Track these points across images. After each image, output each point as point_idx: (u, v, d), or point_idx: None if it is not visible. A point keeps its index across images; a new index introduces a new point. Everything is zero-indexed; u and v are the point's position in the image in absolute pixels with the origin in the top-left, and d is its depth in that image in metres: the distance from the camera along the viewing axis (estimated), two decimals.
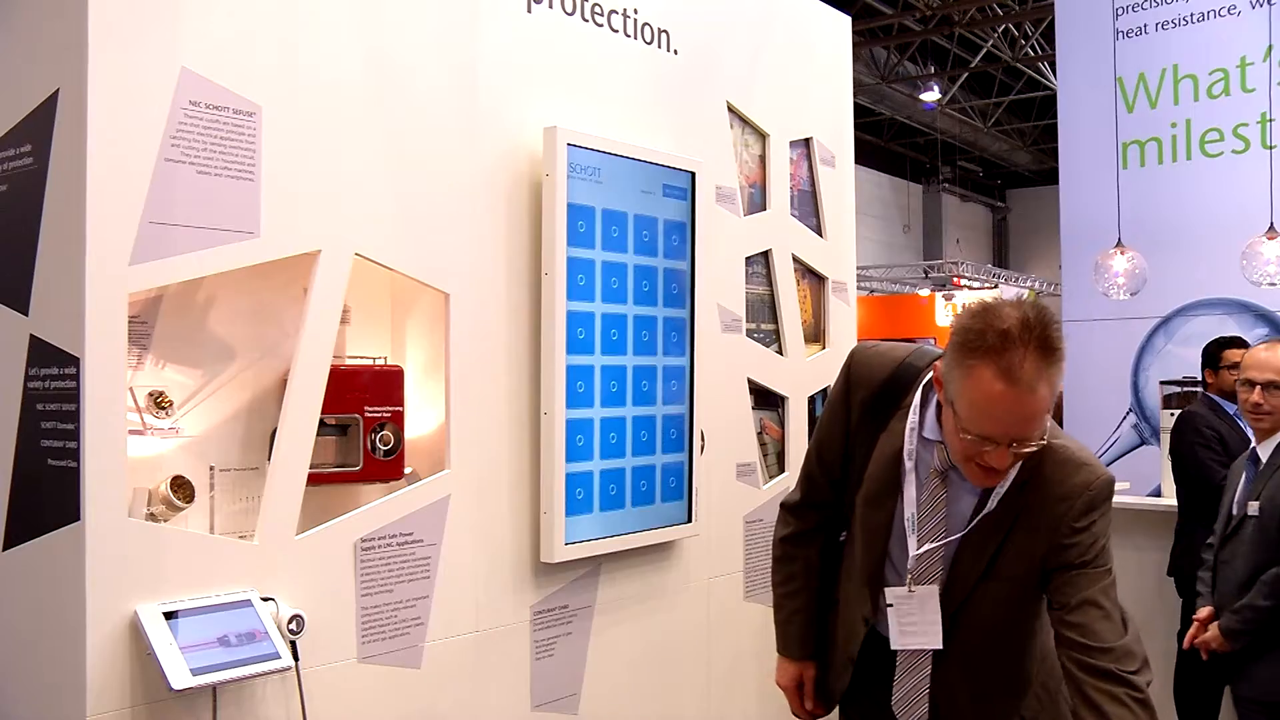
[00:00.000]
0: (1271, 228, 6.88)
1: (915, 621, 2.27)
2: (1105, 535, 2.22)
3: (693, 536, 3.67)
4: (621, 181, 3.38)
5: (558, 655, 3.28)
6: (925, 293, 18.50)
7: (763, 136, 4.13)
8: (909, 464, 2.26)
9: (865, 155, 19.26)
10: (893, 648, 2.32)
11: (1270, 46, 7.74)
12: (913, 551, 2.25)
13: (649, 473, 3.48)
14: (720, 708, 3.85)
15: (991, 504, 2.20)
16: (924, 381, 2.27)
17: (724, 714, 3.85)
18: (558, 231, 3.16)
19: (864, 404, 2.35)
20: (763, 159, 4.13)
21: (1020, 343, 1.96)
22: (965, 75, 18.05)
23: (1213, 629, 3.82)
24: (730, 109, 3.97)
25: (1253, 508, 3.84)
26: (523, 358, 3.18)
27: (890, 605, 2.29)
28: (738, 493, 3.94)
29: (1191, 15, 8.22)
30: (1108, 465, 7.29)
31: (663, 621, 3.64)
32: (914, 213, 22.82)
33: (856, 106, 17.79)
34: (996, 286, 16.46)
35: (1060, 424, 5.55)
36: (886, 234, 21.58)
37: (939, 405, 2.19)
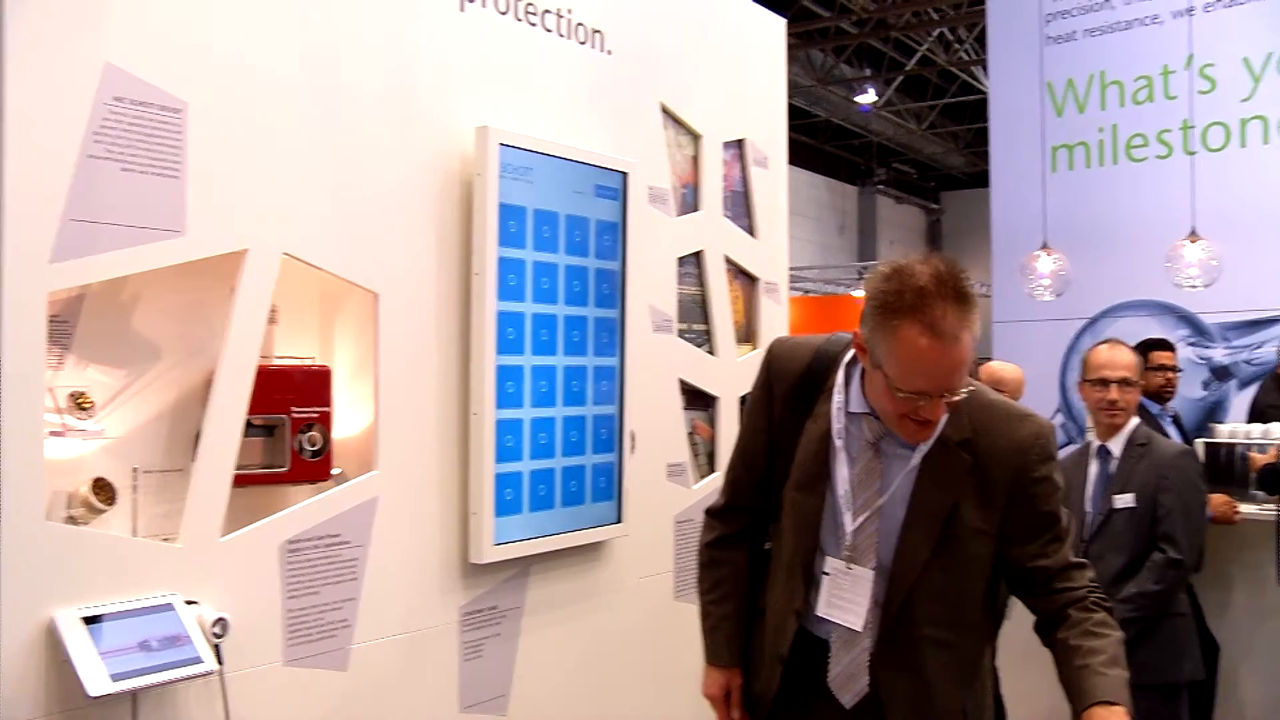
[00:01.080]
0: (1193, 232, 7.03)
1: (845, 595, 2.27)
2: (1061, 486, 2.31)
3: (623, 537, 3.68)
4: (553, 181, 3.38)
5: (486, 656, 3.27)
6: (859, 294, 18.65)
7: (696, 137, 4.14)
8: (839, 443, 2.28)
9: (801, 157, 19.35)
10: (817, 613, 2.30)
11: (1190, 56, 7.92)
12: (850, 527, 2.26)
13: (579, 473, 3.48)
14: (652, 708, 3.85)
15: (915, 459, 2.22)
16: (845, 361, 2.31)
17: (655, 714, 3.86)
18: (489, 231, 3.15)
19: (786, 396, 2.37)
20: (696, 160, 4.15)
21: (938, 296, 2.02)
22: (900, 79, 18.21)
23: None
24: (664, 110, 3.99)
25: (1123, 500, 4.01)
26: (452, 358, 3.17)
27: (827, 574, 2.29)
28: (668, 493, 3.95)
29: (1117, 23, 8.38)
30: None
31: (593, 622, 3.64)
32: (849, 214, 22.98)
33: (793, 108, 17.73)
34: None
35: None
36: (821, 235, 21.70)
37: (863, 378, 2.23)
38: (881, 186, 23.23)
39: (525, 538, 3.29)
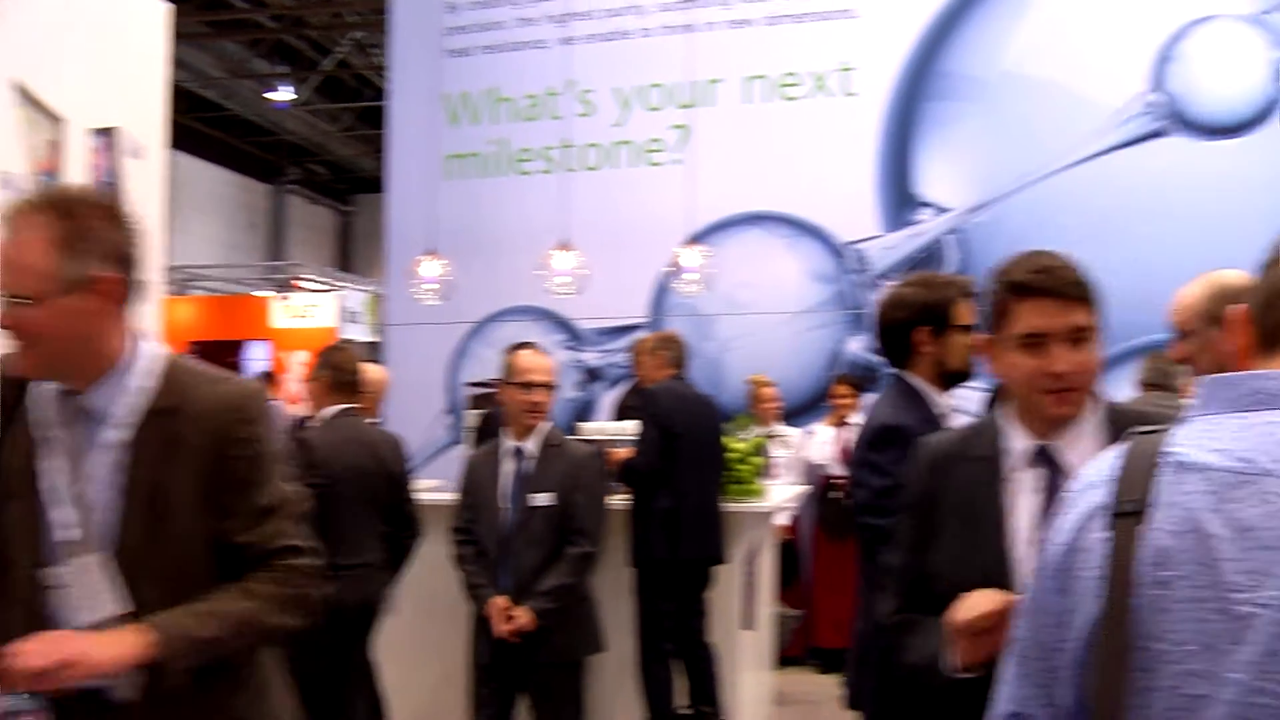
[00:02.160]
0: (565, 242, 7.66)
1: (86, 592, 2.06)
2: (276, 457, 2.17)
3: None
4: None
5: None
6: (264, 294, 18.07)
7: (57, 121, 3.92)
8: (40, 435, 2.09)
9: (211, 151, 18.74)
10: (78, 626, 2.03)
11: (572, 81, 8.61)
12: (67, 520, 2.06)
13: None
14: None
15: (114, 435, 2.07)
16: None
17: None
18: None
19: None
20: (57, 146, 3.92)
21: (42, 199, 2.02)
22: (318, 78, 18.09)
23: (523, 614, 4.13)
24: (20, 89, 3.73)
25: (541, 499, 4.22)
26: None
27: (56, 588, 2.06)
28: None
29: (509, 43, 8.93)
30: (426, 462, 7.69)
31: None
32: (260, 212, 22.43)
33: (204, 101, 16.92)
34: (338, 289, 16.64)
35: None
36: (230, 233, 21.00)
37: None
38: (294, 186, 22.96)
39: None
